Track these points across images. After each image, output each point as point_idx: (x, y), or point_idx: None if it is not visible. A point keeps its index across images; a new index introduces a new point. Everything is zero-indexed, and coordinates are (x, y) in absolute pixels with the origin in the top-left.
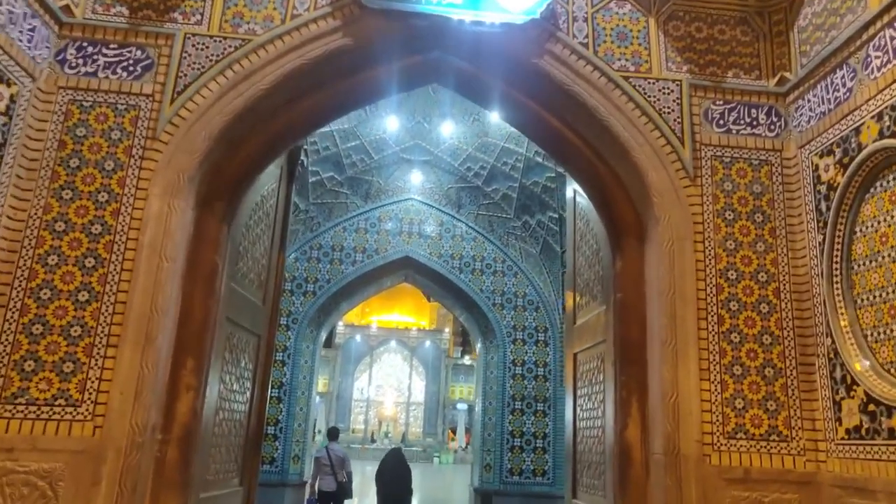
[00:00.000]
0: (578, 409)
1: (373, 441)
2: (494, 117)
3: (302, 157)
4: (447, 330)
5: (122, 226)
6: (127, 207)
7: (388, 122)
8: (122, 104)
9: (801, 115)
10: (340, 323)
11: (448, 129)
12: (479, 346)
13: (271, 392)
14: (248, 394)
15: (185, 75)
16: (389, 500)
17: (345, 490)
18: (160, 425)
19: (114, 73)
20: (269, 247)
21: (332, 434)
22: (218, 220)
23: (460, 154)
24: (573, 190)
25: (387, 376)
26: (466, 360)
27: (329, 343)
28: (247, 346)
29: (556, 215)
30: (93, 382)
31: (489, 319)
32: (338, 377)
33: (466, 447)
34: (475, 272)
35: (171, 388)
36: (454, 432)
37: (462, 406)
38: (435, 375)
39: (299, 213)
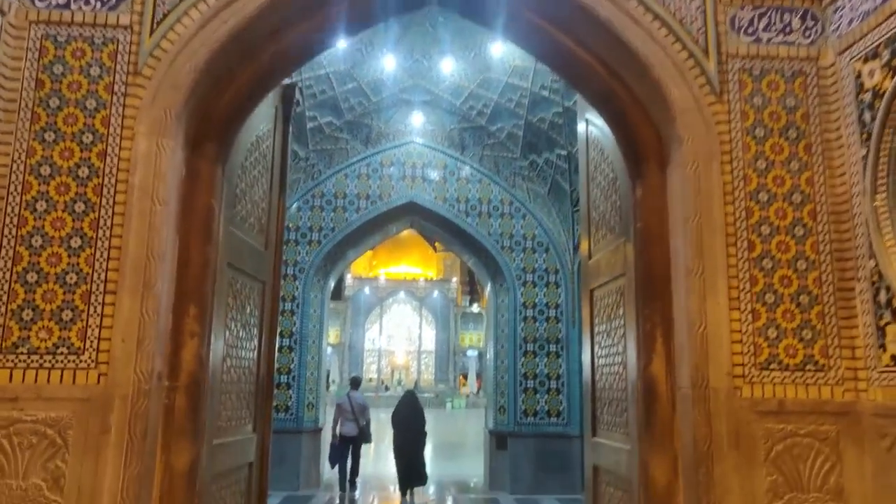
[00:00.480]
0: (597, 347)
1: (386, 389)
2: (497, 50)
3: (297, 97)
4: (455, 279)
5: (110, 168)
6: (113, 148)
7: (386, 61)
8: (98, 38)
9: (840, 16)
10: (349, 275)
11: (448, 67)
12: (488, 290)
13: (282, 341)
14: (256, 341)
15: (164, 3)
16: (405, 439)
17: (364, 434)
18: (166, 373)
19: (86, 3)
20: (268, 190)
21: (354, 383)
22: (210, 162)
23: (462, 92)
24: (586, 119)
25: (397, 326)
26: (475, 308)
27: (338, 296)
28: (251, 293)
29: (564, 153)
30: (93, 330)
31: (498, 263)
32: (349, 329)
33: (478, 392)
34: (482, 215)
35: (174, 335)
36: (465, 378)
37: (472, 353)
38: (444, 324)
39: (299, 161)
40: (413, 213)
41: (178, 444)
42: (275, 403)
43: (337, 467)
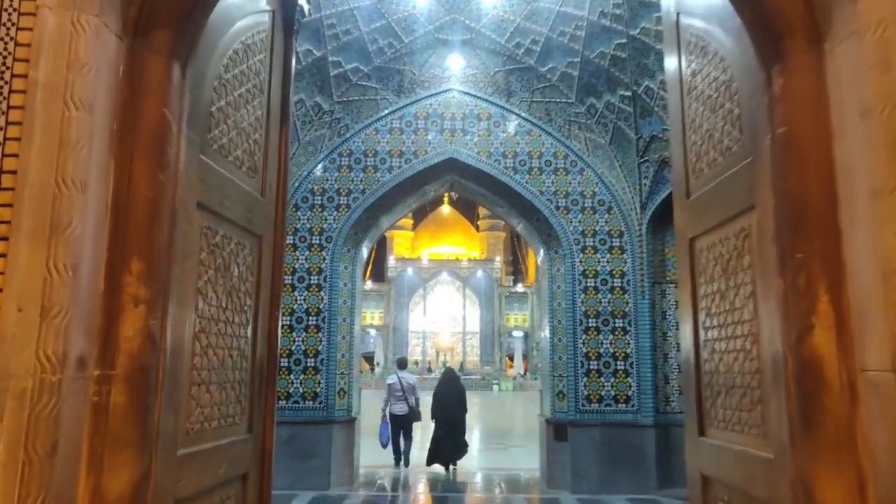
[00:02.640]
0: (703, 316)
1: (430, 371)
2: None
3: (304, 4)
4: (498, 259)
5: (3, 55)
6: (8, 29)
7: None
8: None
9: None
10: (391, 257)
11: None
12: (541, 258)
13: (308, 320)
14: (250, 313)
15: None
16: (447, 415)
17: (415, 413)
18: (94, 356)
19: None
20: (263, 117)
21: (402, 364)
22: (163, 57)
23: (506, 27)
24: (677, 14)
25: (441, 308)
26: (519, 287)
27: (381, 277)
28: (240, 250)
29: (629, 93)
30: None
31: (552, 226)
32: (393, 311)
33: (525, 374)
34: (532, 171)
35: (107, 302)
36: (511, 360)
37: (518, 333)
38: (488, 304)
39: (323, 114)
40: (453, 172)
41: (115, 458)
42: (301, 390)
43: (391, 447)
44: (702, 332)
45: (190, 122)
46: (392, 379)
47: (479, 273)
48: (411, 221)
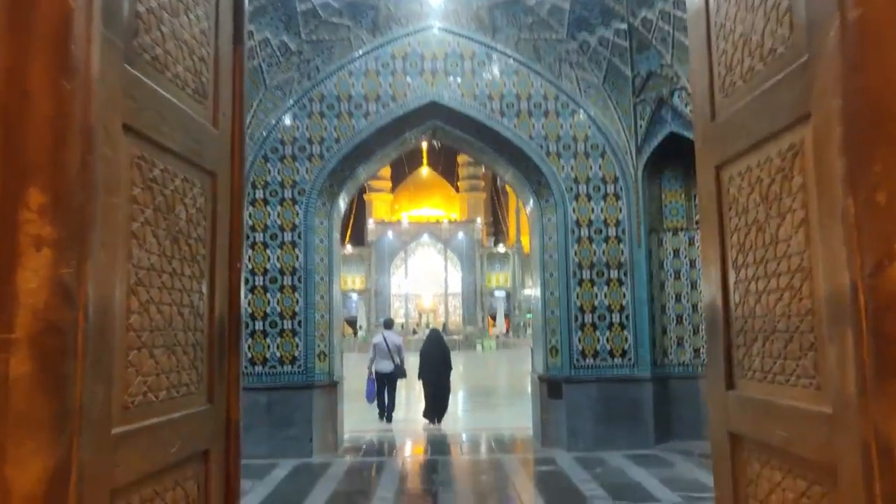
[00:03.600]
0: (732, 252)
1: (414, 333)
2: None
3: None
4: (479, 220)
5: None
6: None
7: None
8: None
9: None
10: (371, 220)
11: None
12: (530, 207)
13: (283, 279)
14: (205, 265)
15: None
16: (432, 373)
17: (400, 371)
18: None
19: None
20: (210, 31)
21: (388, 324)
22: None
23: None
24: None
25: (422, 270)
26: (500, 248)
27: (361, 241)
28: (188, 188)
29: (624, 26)
30: None
31: (542, 172)
32: (374, 274)
33: (507, 333)
34: (521, 114)
35: None
36: (493, 319)
37: (499, 293)
38: (470, 266)
39: (290, 55)
40: (435, 117)
41: (22, 446)
42: (279, 354)
43: (376, 402)
44: (732, 273)
45: (107, 19)
46: (378, 338)
47: (460, 234)
48: (390, 184)
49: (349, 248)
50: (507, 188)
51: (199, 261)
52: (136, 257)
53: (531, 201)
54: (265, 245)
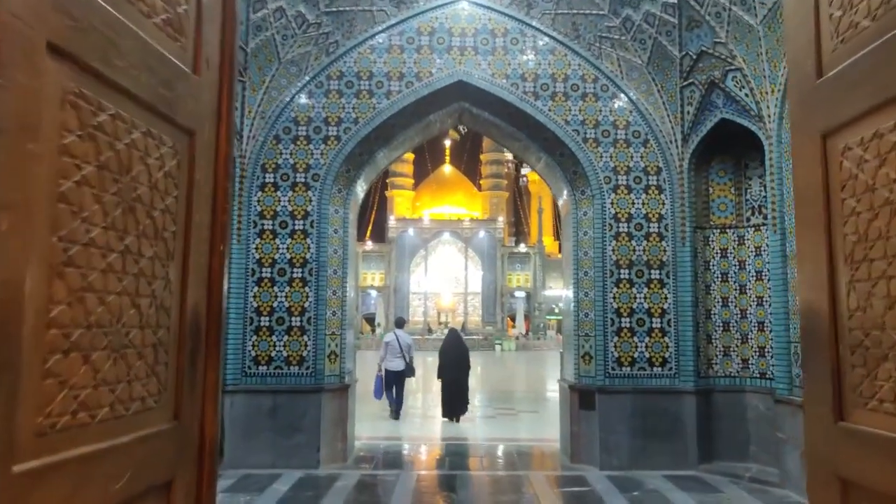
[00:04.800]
0: (846, 245)
1: (430, 332)
2: None
3: None
4: (500, 219)
5: None
6: None
7: None
8: None
9: None
10: (392, 217)
11: None
12: (563, 198)
13: (293, 272)
14: (175, 245)
15: None
16: (452, 373)
17: (410, 369)
18: None
19: None
20: None
21: (399, 323)
22: None
23: None
24: None
25: (442, 268)
26: (521, 248)
27: (382, 238)
28: (153, 146)
29: (673, 0)
30: None
31: (578, 161)
32: (394, 272)
33: (527, 334)
34: (556, 97)
35: None
36: (513, 320)
37: (520, 294)
38: (490, 265)
39: (308, 27)
40: (462, 98)
41: None
42: (285, 354)
43: (387, 400)
44: (844, 270)
45: None
46: (390, 337)
47: (482, 233)
48: (412, 181)
49: (369, 245)
50: (530, 188)
51: (165, 239)
52: (67, 228)
53: (565, 193)
54: (274, 233)
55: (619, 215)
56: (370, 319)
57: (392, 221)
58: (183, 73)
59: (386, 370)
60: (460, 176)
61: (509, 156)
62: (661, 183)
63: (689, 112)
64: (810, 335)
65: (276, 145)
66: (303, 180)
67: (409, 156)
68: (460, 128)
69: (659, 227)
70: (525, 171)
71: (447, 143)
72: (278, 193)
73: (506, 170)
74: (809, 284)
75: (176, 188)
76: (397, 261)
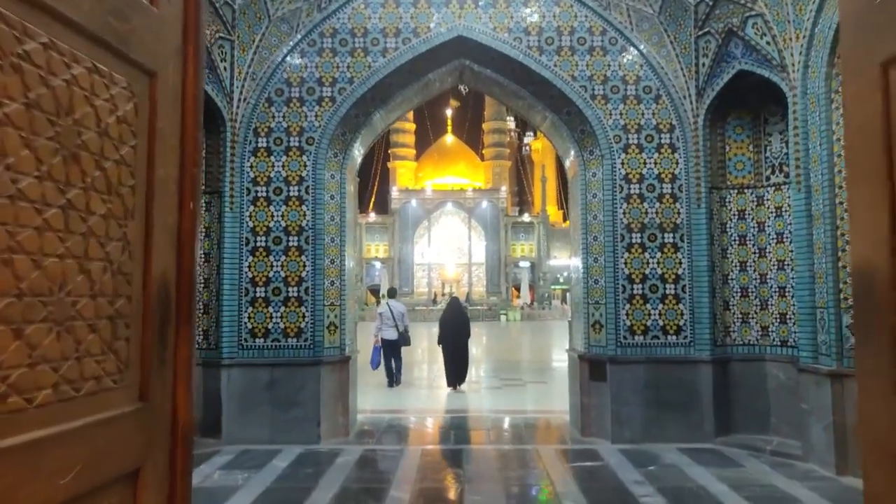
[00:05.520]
0: None
1: (435, 303)
2: None
3: None
4: (503, 188)
5: None
6: None
7: None
8: None
9: None
10: (394, 188)
11: None
12: (570, 159)
13: (288, 240)
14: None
15: None
16: (452, 341)
17: (404, 338)
18: None
19: None
20: None
21: (392, 293)
22: None
23: None
24: None
25: (446, 239)
26: (525, 217)
27: (385, 210)
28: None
29: None
30: None
31: (586, 119)
32: (397, 243)
33: (532, 304)
34: (562, 52)
35: None
36: (518, 290)
37: (524, 263)
38: (494, 235)
39: None
40: (463, 55)
41: None
42: (282, 325)
43: (384, 370)
44: None
45: None
46: (383, 307)
47: (485, 203)
48: (414, 151)
49: (372, 216)
50: (533, 156)
51: (122, 195)
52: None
53: (572, 153)
54: (268, 200)
55: (630, 176)
56: (375, 291)
57: (394, 193)
58: (138, 2)
59: (382, 340)
60: (462, 146)
61: (512, 124)
62: (674, 141)
63: (703, 64)
64: (865, 297)
65: (268, 108)
66: (297, 144)
67: (411, 126)
68: (461, 88)
69: (672, 188)
70: (528, 139)
71: (449, 112)
72: (272, 158)
73: (508, 138)
74: (865, 238)
75: (133, 136)
76: (401, 232)
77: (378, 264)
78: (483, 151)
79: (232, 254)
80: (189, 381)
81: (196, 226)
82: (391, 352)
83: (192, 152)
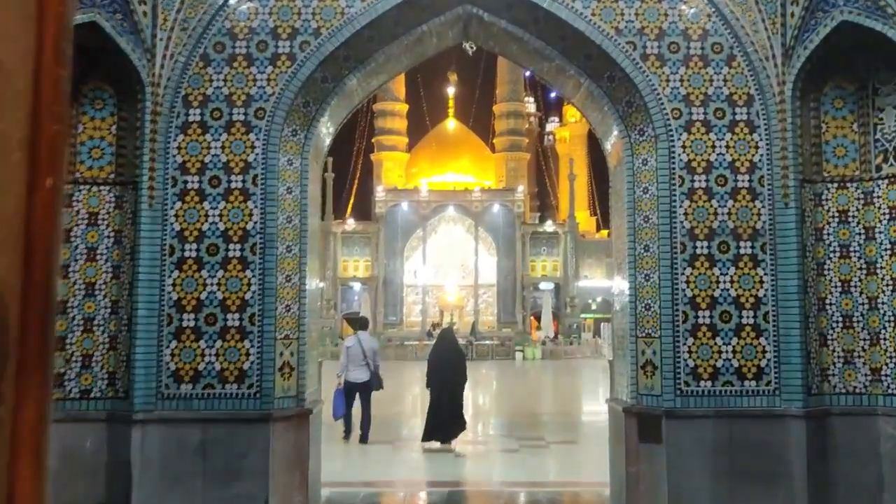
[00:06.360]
0: None
1: (430, 336)
2: None
3: None
4: (520, 188)
5: None
6: None
7: None
8: None
9: None
10: (379, 188)
11: None
12: (613, 141)
13: (228, 248)
14: None
15: None
16: (446, 383)
17: (376, 380)
18: None
19: None
20: None
21: (362, 323)
22: None
23: None
24: None
25: (446, 253)
26: (548, 226)
27: (367, 215)
28: None
29: None
30: None
31: (635, 86)
32: (382, 258)
33: (556, 337)
34: None
35: None
36: (538, 319)
37: (546, 285)
38: (508, 248)
39: None
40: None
41: None
42: (219, 367)
43: (342, 419)
44: None
45: None
46: (351, 342)
47: (496, 207)
48: (405, 140)
49: (351, 223)
50: (558, 148)
51: None
52: None
53: (615, 133)
54: (201, 194)
55: (694, 164)
56: (354, 320)
57: (380, 193)
58: None
59: (346, 382)
60: (468, 133)
61: (531, 106)
62: (752, 117)
63: (793, 14)
64: None
65: (203, 69)
66: (242, 118)
67: (401, 107)
68: (466, 46)
69: (750, 181)
70: (551, 125)
71: (450, 90)
72: (207, 137)
73: (527, 125)
74: None
75: None
76: (387, 244)
77: (357, 286)
78: (494, 141)
79: (150, 267)
80: (41, 456)
81: (57, 215)
82: (358, 396)
83: (54, 101)
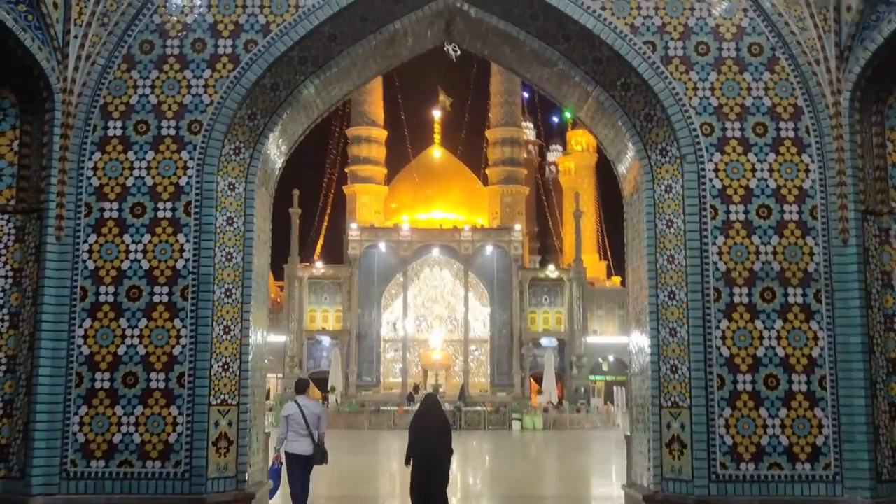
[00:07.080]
0: None
1: (412, 400)
2: None
3: None
4: (517, 227)
5: None
6: None
7: None
8: None
9: None
10: (353, 226)
11: None
12: (628, 163)
13: (153, 290)
14: None
15: None
16: (430, 456)
17: (321, 453)
18: None
19: None
20: None
21: (302, 387)
22: None
23: None
24: None
25: (430, 302)
26: (550, 271)
27: (338, 257)
28: None
29: None
30: None
31: (656, 96)
32: (356, 308)
33: (560, 403)
34: None
35: None
36: (539, 382)
37: (548, 341)
38: (503, 297)
39: None
40: None
41: None
42: (139, 439)
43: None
44: None
45: None
46: (291, 409)
47: (489, 249)
48: (384, 171)
49: (319, 267)
50: (562, 180)
51: None
52: None
53: (631, 153)
54: (121, 225)
55: (730, 191)
56: (321, 381)
57: (353, 232)
58: None
59: (287, 455)
60: (456, 163)
61: (530, 132)
62: (801, 134)
63: (849, 7)
64: None
65: (126, 72)
66: (173, 132)
67: (379, 133)
68: (448, 49)
69: (800, 212)
70: (553, 155)
71: (436, 114)
72: (130, 155)
73: (525, 154)
74: None
75: None
76: (362, 292)
77: (327, 340)
78: (487, 172)
79: (56, 315)
80: None
81: None
82: (302, 471)
83: None
